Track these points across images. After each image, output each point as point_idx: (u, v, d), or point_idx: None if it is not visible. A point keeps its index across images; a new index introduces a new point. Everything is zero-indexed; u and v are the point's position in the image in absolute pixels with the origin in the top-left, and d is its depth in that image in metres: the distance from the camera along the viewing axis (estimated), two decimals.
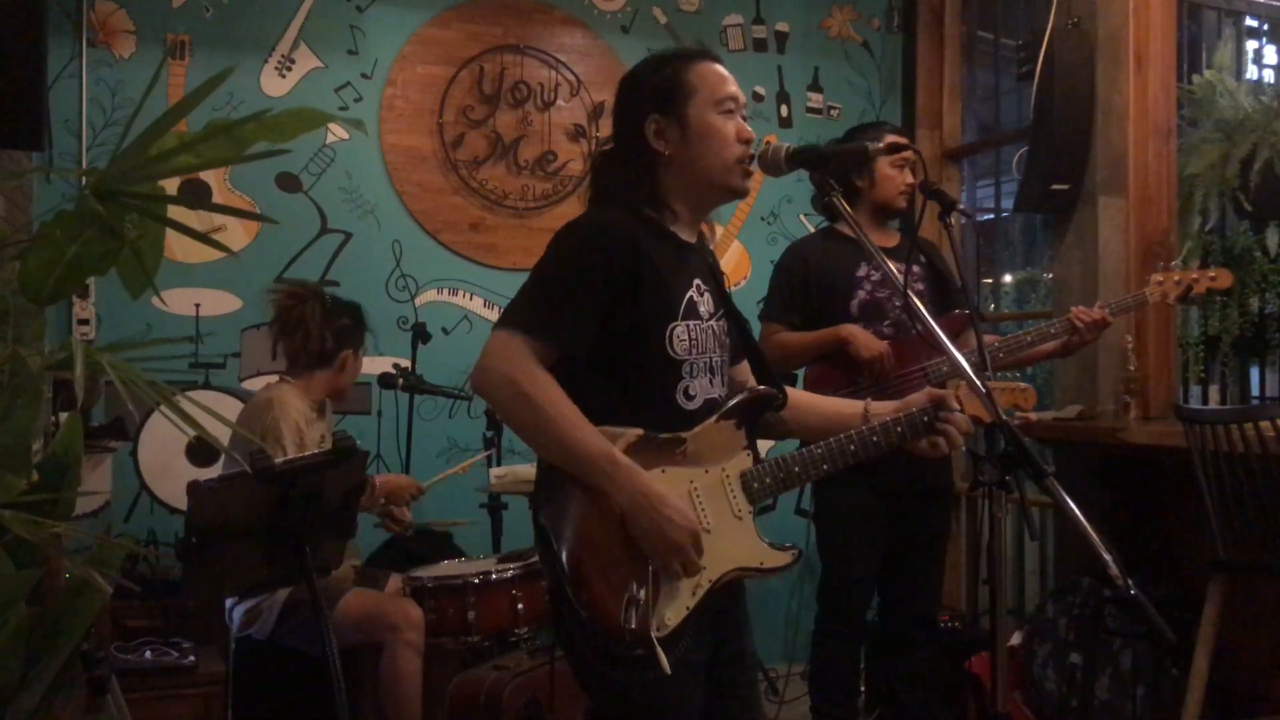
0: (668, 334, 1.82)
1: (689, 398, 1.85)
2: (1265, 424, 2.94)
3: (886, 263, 1.87)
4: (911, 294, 1.81)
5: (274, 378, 3.29)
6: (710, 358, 1.89)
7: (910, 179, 3.16)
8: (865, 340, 3.03)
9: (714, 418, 1.85)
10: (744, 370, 2.05)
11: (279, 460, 2.24)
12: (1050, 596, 3.56)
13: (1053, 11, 3.86)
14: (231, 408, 3.90)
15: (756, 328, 3.24)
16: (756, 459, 1.88)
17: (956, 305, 3.17)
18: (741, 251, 4.86)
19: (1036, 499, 3.18)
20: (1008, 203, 5.37)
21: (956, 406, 1.87)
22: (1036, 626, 3.51)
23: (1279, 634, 3.20)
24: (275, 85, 4.27)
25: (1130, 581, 1.52)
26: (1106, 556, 1.50)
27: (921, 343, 3.02)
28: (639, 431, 1.78)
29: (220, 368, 4.16)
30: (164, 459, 4.00)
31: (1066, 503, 1.56)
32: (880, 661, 3.61)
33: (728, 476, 1.84)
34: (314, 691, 2.75)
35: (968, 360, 1.75)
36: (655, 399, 1.82)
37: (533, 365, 1.73)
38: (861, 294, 3.15)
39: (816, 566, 3.28)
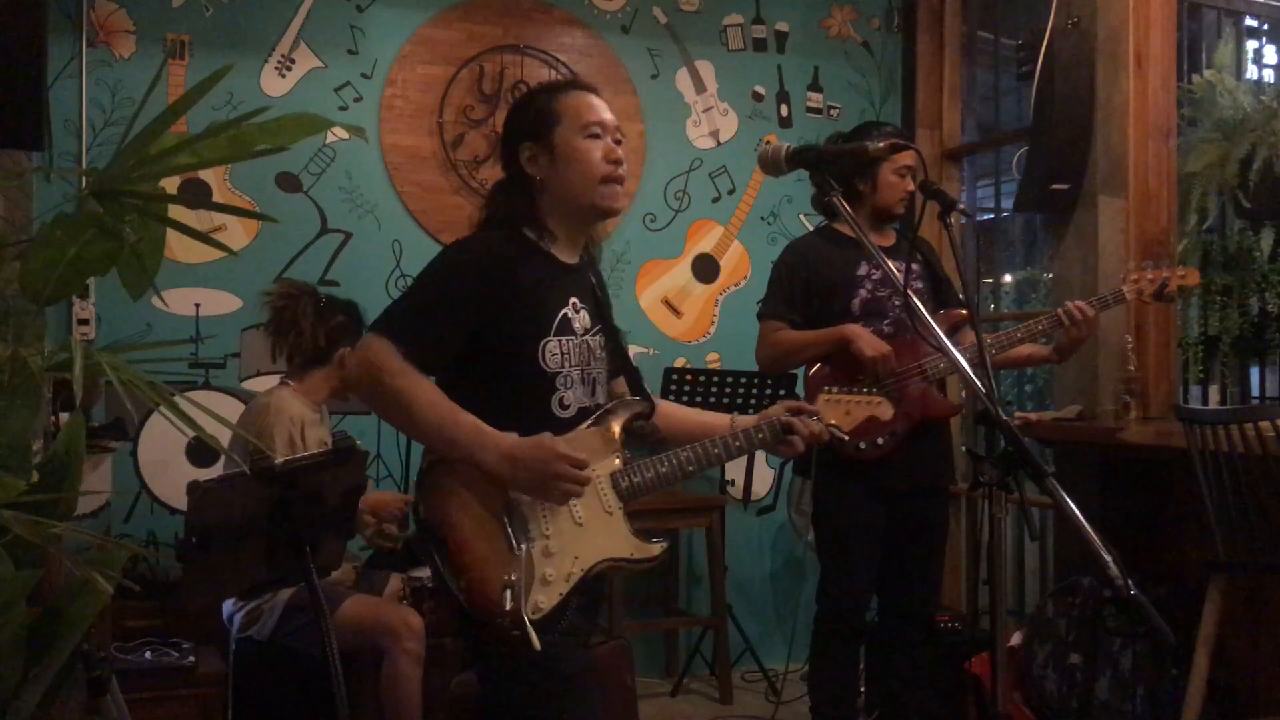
0: (540, 349, 1.96)
1: (564, 407, 1.99)
2: (1265, 424, 2.94)
3: (887, 262, 1.89)
4: (911, 293, 1.81)
5: (275, 379, 3.29)
6: (584, 370, 2.03)
7: (911, 186, 3.17)
8: (869, 341, 3.04)
9: (586, 424, 2.00)
10: (621, 384, 2.18)
11: (279, 461, 2.24)
12: (1050, 596, 3.56)
13: (1053, 11, 3.86)
14: (231, 408, 3.90)
15: (755, 330, 3.27)
16: (626, 462, 2.01)
17: (953, 304, 3.17)
18: (741, 251, 4.86)
19: (1036, 499, 3.17)
20: (1008, 203, 5.37)
21: (815, 410, 2.04)
22: (1036, 626, 3.51)
23: (1279, 634, 3.20)
24: (275, 85, 4.26)
25: (1130, 581, 1.52)
26: (1106, 556, 1.50)
27: (918, 341, 3.03)
28: (513, 435, 1.89)
29: (220, 367, 4.16)
30: (164, 459, 4.00)
31: (1066, 503, 1.56)
32: (880, 661, 3.61)
33: (598, 476, 1.97)
34: (314, 693, 2.75)
35: (966, 358, 1.77)
36: (532, 408, 1.96)
37: (399, 362, 1.86)
38: (863, 293, 3.15)
39: (816, 566, 3.28)
